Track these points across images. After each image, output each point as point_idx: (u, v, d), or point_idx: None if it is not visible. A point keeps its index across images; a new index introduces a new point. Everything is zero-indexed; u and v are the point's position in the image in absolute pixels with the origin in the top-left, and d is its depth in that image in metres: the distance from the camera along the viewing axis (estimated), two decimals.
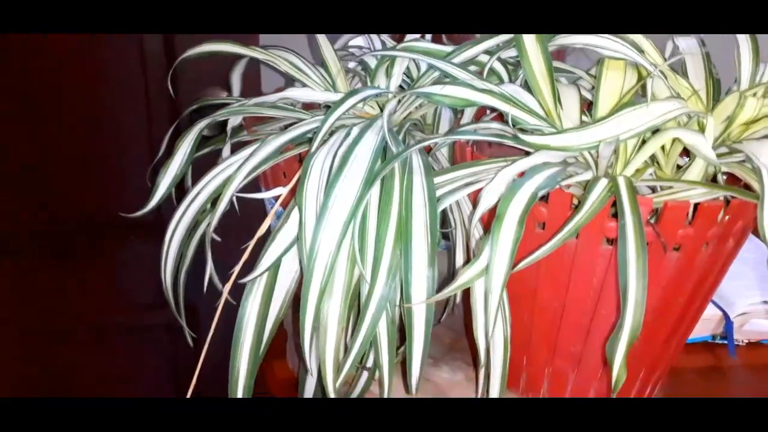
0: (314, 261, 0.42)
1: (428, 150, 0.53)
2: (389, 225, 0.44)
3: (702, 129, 0.43)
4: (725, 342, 0.75)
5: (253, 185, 0.51)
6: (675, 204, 0.44)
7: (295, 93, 0.56)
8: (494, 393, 0.49)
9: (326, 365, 0.43)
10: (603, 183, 0.43)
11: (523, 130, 0.45)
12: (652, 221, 0.45)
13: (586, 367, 0.53)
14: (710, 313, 0.75)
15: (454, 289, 0.40)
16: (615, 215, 0.44)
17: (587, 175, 0.44)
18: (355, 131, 0.47)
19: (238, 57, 0.59)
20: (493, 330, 0.49)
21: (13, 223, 0.90)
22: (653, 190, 0.46)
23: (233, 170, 0.48)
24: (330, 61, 0.58)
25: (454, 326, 0.65)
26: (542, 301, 0.51)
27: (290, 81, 0.60)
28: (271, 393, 0.63)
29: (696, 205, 0.44)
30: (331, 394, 0.45)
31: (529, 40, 0.46)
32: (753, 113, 0.43)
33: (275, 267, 0.47)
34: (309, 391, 0.53)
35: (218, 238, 0.51)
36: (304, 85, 0.57)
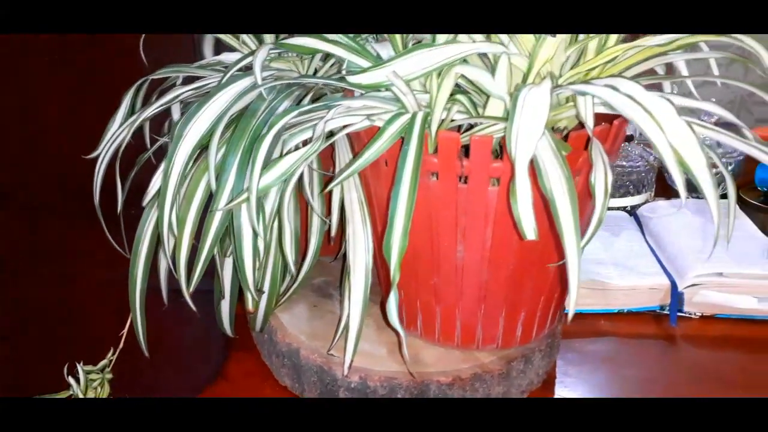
0: (171, 169, 0.52)
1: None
2: (238, 153, 0.52)
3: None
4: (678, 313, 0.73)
5: None
6: (479, 138, 0.48)
7: (226, 57, 0.67)
8: (355, 313, 0.56)
9: (180, 262, 0.53)
10: (404, 118, 0.48)
11: None
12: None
13: (445, 299, 0.57)
14: (659, 282, 0.74)
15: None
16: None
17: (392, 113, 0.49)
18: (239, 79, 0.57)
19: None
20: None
21: None
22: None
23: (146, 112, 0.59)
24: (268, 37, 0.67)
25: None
26: None
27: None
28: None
29: None
30: (185, 293, 0.54)
31: None
32: (552, 52, 0.46)
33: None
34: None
35: None
36: (235, 51, 0.67)
